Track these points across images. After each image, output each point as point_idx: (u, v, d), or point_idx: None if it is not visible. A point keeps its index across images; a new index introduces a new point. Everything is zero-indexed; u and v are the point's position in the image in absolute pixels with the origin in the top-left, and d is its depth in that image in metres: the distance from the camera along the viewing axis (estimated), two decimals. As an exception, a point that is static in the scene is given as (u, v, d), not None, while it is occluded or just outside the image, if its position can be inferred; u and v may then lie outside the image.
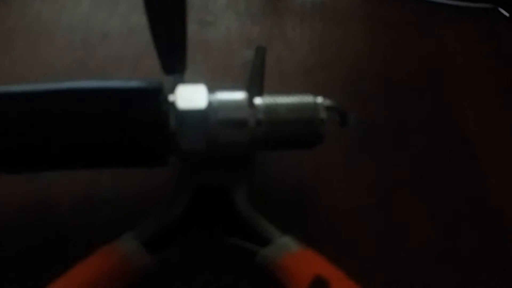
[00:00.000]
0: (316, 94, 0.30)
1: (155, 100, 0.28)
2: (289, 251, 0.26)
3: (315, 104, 0.29)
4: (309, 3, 0.45)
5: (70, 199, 0.31)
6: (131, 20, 0.42)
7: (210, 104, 0.28)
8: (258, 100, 0.29)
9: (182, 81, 0.30)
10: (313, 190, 0.32)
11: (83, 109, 0.27)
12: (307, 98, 0.30)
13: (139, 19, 0.41)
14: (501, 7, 0.44)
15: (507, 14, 0.44)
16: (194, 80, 0.29)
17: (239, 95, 0.29)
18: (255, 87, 0.32)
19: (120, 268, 0.26)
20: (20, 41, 0.40)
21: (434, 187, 0.33)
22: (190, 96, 0.28)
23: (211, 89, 0.29)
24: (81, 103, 0.28)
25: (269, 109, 0.29)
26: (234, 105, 0.29)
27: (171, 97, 0.28)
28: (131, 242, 0.26)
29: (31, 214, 0.30)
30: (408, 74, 0.40)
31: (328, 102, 0.30)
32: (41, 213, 0.30)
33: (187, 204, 0.28)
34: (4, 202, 0.31)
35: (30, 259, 0.28)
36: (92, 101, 0.28)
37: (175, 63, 0.31)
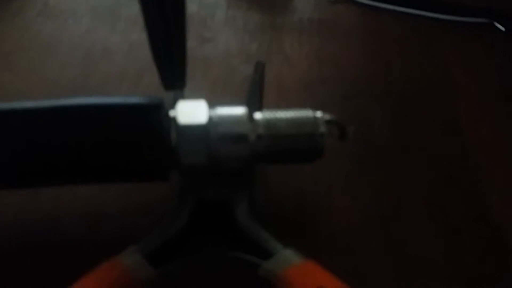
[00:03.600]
0: (315, 108, 0.30)
1: (156, 115, 0.28)
2: (291, 264, 0.27)
3: (315, 118, 0.30)
4: (306, 20, 0.46)
5: (74, 215, 0.31)
6: (131, 37, 0.43)
7: (210, 119, 0.29)
8: (258, 115, 0.30)
9: (182, 97, 0.31)
10: (313, 203, 0.33)
11: (85, 125, 0.28)
12: (306, 113, 0.30)
13: (140, 36, 0.42)
14: (497, 22, 0.46)
15: (502, 29, 0.45)
16: (194, 96, 0.30)
17: (239, 110, 0.30)
18: (254, 102, 0.33)
19: (122, 281, 0.26)
20: (22, 58, 0.41)
21: (434, 202, 0.33)
22: (191, 112, 0.29)
23: (212, 104, 0.29)
24: (83, 119, 0.28)
25: (269, 124, 0.30)
26: (234, 120, 0.29)
27: (172, 113, 0.29)
28: (134, 256, 0.27)
29: (36, 230, 0.31)
30: (407, 88, 0.41)
31: (327, 116, 0.30)
32: (45, 229, 0.31)
33: (189, 218, 0.29)
34: (9, 218, 0.31)
35: (35, 273, 0.29)
36: (94, 117, 0.28)
37: (175, 79, 0.31)
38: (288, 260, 0.27)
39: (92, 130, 0.28)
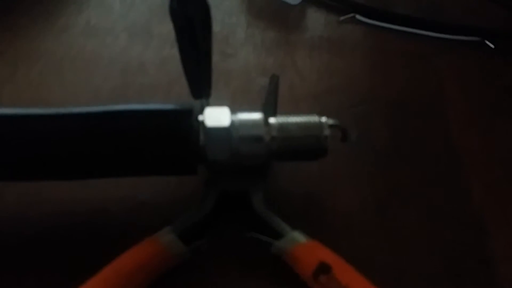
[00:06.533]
0: (322, 114, 0.34)
1: (187, 119, 0.32)
2: (298, 243, 0.31)
3: (320, 123, 0.34)
4: (317, 37, 0.48)
5: (115, 201, 0.35)
6: (163, 53, 0.46)
7: (232, 123, 0.33)
8: (272, 120, 0.34)
9: (208, 104, 0.34)
10: (319, 195, 0.36)
11: (128, 127, 0.33)
12: (313, 118, 0.34)
13: (170, 52, 0.45)
14: (487, 40, 0.48)
15: (492, 46, 0.48)
16: (218, 103, 0.34)
17: (256, 115, 0.34)
18: (269, 109, 0.36)
19: (160, 255, 0.30)
20: (68, 70, 0.44)
21: (423, 193, 0.37)
22: (216, 116, 0.33)
23: (233, 110, 0.33)
24: (128, 122, 0.33)
25: (281, 127, 0.34)
26: (252, 123, 0.33)
27: (200, 117, 0.33)
28: (169, 234, 0.31)
29: (82, 212, 0.35)
30: (405, 98, 0.43)
31: (331, 121, 0.34)
32: (90, 212, 0.35)
33: (213, 205, 0.32)
34: (60, 199, 0.35)
35: (85, 250, 0.33)
36: (136, 120, 0.33)
37: (202, 89, 0.35)
38: (295, 239, 0.31)
39: (134, 131, 0.32)
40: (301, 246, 0.31)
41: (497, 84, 0.46)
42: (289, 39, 0.49)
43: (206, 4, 0.32)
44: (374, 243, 0.34)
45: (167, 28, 0.47)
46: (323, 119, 0.34)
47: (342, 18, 0.51)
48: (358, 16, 0.50)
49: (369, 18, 0.50)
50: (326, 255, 0.31)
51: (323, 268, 0.30)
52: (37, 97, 0.42)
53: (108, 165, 0.33)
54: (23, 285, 0.32)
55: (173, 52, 0.44)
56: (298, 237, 0.31)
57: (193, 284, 0.32)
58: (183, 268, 0.31)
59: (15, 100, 0.42)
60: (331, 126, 0.34)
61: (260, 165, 0.34)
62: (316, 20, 0.51)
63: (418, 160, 0.39)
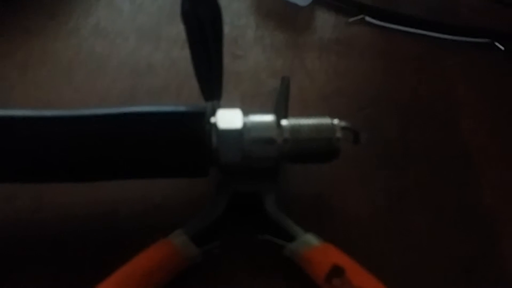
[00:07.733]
0: (332, 116, 0.34)
1: (200, 121, 0.32)
2: (311, 245, 0.31)
3: (332, 125, 0.34)
4: (326, 39, 0.48)
5: (127, 203, 0.35)
6: (172, 54, 0.46)
7: (244, 125, 0.33)
8: (284, 122, 0.34)
9: (219, 106, 0.34)
10: (330, 197, 0.36)
11: (141, 129, 0.33)
12: (325, 120, 0.34)
13: (179, 53, 0.45)
14: (497, 42, 0.48)
15: (502, 48, 0.48)
16: (228, 105, 0.34)
17: (268, 118, 0.34)
18: (281, 111, 0.36)
19: (173, 258, 0.31)
20: (78, 73, 0.44)
21: (434, 195, 0.37)
22: (228, 118, 0.33)
23: (244, 112, 0.33)
24: (141, 123, 0.33)
25: (293, 129, 0.34)
26: (265, 125, 0.33)
27: (212, 119, 0.33)
28: (182, 237, 0.31)
29: (95, 214, 0.35)
30: (415, 100, 0.44)
31: (343, 123, 0.34)
32: (101, 215, 0.35)
33: (226, 207, 0.33)
34: (73, 201, 0.35)
35: (97, 255, 0.33)
36: (148, 122, 0.33)
37: (213, 91, 0.35)
38: (308, 242, 0.31)
39: (146, 133, 0.32)
40: (314, 248, 0.31)
41: (507, 85, 0.45)
42: (298, 41, 0.49)
43: (217, 6, 0.33)
44: (386, 245, 0.34)
45: (176, 29, 0.48)
46: (335, 121, 0.34)
47: (351, 19, 0.51)
48: (367, 18, 0.50)
49: (378, 19, 0.50)
50: (339, 257, 0.31)
51: (336, 271, 0.30)
52: (46, 98, 0.42)
53: (120, 167, 0.33)
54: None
55: (182, 54, 0.45)
56: (311, 239, 0.31)
57: (206, 286, 0.32)
58: (195, 270, 0.31)
59: (25, 102, 0.42)
60: (343, 128, 0.34)
61: (272, 167, 0.34)
62: (325, 22, 0.51)
63: (429, 161, 0.39)
